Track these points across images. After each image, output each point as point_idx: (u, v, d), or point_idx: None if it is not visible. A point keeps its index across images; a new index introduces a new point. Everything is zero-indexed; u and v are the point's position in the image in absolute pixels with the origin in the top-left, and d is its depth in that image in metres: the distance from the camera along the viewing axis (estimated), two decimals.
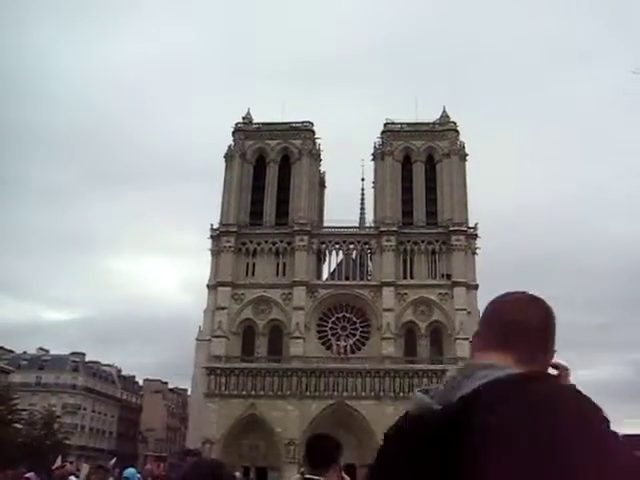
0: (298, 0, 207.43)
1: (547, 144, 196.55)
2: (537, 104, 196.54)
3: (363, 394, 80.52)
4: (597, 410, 1.53)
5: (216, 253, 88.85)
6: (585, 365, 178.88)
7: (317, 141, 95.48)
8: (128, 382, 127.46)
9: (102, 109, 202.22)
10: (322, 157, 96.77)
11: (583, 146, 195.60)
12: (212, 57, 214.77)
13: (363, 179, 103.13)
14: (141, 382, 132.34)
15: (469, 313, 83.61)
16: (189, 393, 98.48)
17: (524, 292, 1.97)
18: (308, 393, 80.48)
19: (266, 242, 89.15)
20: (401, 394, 79.65)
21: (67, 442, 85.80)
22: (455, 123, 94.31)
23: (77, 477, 20.01)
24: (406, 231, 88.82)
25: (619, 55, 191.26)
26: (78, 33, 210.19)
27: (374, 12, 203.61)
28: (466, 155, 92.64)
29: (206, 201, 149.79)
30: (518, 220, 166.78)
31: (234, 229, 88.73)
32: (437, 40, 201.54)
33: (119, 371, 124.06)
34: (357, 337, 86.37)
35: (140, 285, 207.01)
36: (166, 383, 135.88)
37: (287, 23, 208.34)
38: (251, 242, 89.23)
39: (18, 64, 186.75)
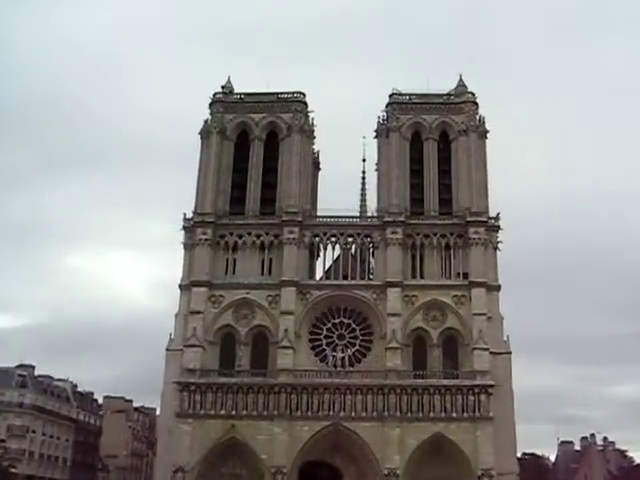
0: None
1: (586, 119, 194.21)
2: (574, 73, 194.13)
3: (364, 414, 79.57)
4: None
5: (190, 247, 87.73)
6: (622, 380, 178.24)
7: (310, 115, 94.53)
8: (85, 400, 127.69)
9: (60, 82, 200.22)
10: (316, 134, 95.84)
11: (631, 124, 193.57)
12: (186, 19, 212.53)
13: (364, 160, 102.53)
14: (101, 400, 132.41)
15: (489, 319, 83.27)
16: (158, 413, 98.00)
17: None
18: (299, 413, 79.62)
19: (249, 234, 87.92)
20: (408, 414, 78.89)
21: (13, 471, 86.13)
22: (473, 94, 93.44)
23: None
24: (415, 222, 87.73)
25: None
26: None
27: None
28: (486, 132, 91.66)
29: (179, 186, 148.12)
30: (548, 210, 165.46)
31: (211, 219, 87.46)
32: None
33: (75, 387, 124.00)
34: (357, 347, 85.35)
35: (102, 285, 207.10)
36: (130, 401, 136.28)
37: None
38: (231, 234, 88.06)
39: None
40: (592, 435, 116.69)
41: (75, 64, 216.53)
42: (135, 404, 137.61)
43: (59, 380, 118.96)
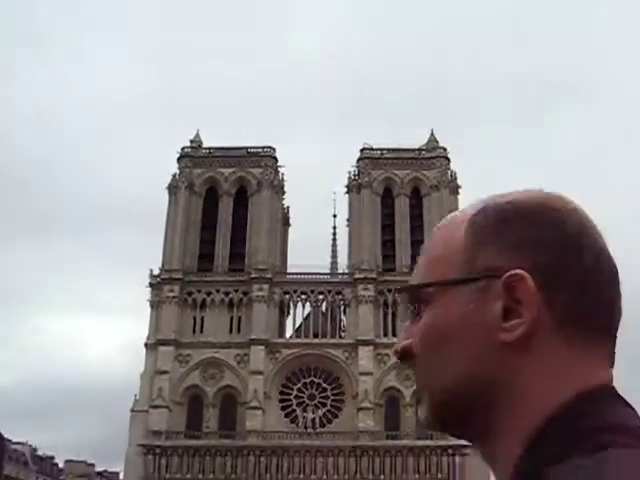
0: (259, 17, 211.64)
1: (550, 177, 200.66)
2: (540, 133, 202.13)
3: (335, 477, 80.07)
4: None
5: (157, 305, 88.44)
6: None
7: (280, 170, 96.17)
8: (45, 464, 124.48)
9: (24, 151, 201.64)
10: (286, 189, 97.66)
11: (584, 180, 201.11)
12: (155, 79, 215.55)
13: (335, 216, 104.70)
14: (61, 464, 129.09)
15: None
16: (121, 477, 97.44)
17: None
18: (268, 476, 79.88)
19: (217, 292, 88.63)
20: (381, 477, 79.55)
21: None
22: (445, 149, 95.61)
23: None
24: (387, 278, 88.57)
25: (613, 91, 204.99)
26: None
27: (348, 30, 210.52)
28: (458, 187, 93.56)
29: (146, 244, 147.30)
30: None
31: (178, 275, 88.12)
32: (422, 59, 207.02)
33: (34, 450, 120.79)
34: (328, 407, 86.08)
35: (67, 347, 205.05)
36: (92, 465, 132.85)
37: (244, 41, 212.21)
38: (199, 292, 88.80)
39: None
40: None
41: (40, 135, 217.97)
42: (98, 468, 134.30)
43: (17, 444, 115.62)
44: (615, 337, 1.23)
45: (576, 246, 1.21)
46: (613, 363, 1.23)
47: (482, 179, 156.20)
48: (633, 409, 1.15)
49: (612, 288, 1.23)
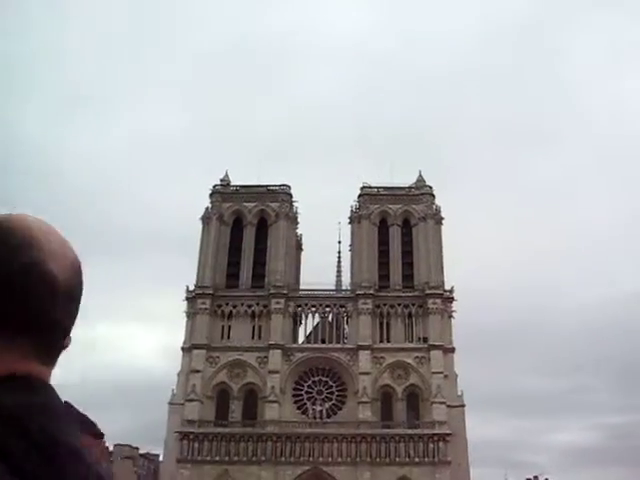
0: (273, 71, 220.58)
1: (522, 209, 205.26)
2: (514, 171, 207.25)
3: (339, 459, 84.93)
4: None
5: (191, 315, 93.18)
6: (553, 429, 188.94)
7: (294, 204, 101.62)
8: None
9: (76, 188, 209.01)
10: (299, 220, 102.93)
11: (554, 212, 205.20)
12: (192, 126, 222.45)
13: (340, 242, 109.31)
14: (111, 447, 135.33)
15: (446, 377, 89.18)
16: (161, 459, 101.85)
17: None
18: (283, 458, 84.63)
19: (242, 304, 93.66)
20: (377, 459, 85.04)
21: None
22: (431, 187, 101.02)
23: None
24: (383, 294, 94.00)
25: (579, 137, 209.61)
26: (51, 105, 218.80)
27: (348, 81, 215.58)
28: (442, 219, 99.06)
29: (183, 265, 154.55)
30: (497, 282, 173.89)
31: (210, 291, 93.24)
32: (412, 109, 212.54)
33: None
34: (333, 401, 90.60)
35: (118, 350, 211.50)
36: (137, 448, 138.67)
37: (265, 92, 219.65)
38: (227, 304, 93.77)
39: None
40: (535, 477, 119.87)
41: (90, 169, 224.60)
42: (141, 451, 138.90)
43: None
44: (45, 339, 1.53)
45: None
46: (43, 359, 1.54)
47: (462, 212, 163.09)
48: (45, 397, 1.45)
49: (42, 298, 1.48)
